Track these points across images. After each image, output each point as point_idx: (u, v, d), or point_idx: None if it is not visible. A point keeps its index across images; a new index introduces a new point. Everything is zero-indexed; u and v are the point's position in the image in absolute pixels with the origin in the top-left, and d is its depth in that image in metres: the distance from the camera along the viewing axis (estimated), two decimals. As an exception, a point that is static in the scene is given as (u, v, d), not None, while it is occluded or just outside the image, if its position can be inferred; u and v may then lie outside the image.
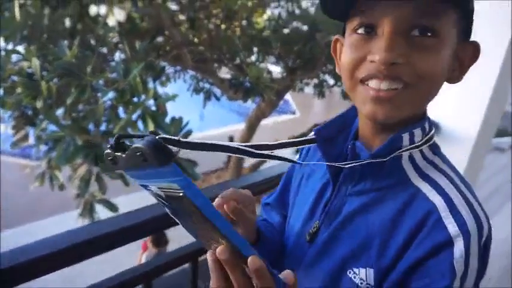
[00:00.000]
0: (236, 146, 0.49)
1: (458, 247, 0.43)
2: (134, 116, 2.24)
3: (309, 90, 5.55)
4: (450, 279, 0.43)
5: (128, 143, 0.38)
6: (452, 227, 0.44)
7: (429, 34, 0.43)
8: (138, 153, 0.34)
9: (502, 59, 1.40)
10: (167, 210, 0.44)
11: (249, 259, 0.37)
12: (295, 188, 0.66)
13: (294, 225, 0.61)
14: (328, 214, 0.55)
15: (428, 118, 0.52)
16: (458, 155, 1.44)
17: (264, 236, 0.60)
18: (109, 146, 0.38)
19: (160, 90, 2.78)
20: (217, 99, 4.35)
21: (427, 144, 0.51)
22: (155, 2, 3.21)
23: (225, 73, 4.56)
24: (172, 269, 0.95)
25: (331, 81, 5.17)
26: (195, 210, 0.37)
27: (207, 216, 0.37)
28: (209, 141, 0.46)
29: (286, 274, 0.40)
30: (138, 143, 0.34)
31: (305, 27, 4.51)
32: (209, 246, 0.43)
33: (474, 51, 0.49)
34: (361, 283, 0.49)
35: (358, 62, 0.47)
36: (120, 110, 2.49)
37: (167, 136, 0.42)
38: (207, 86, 4.60)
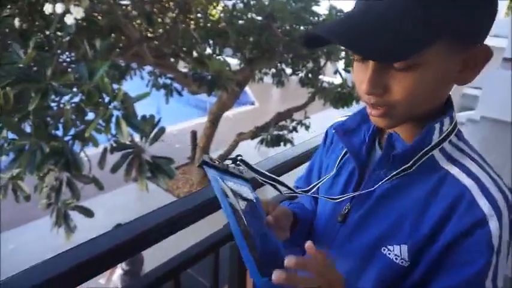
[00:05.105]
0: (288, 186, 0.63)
1: (493, 224, 0.48)
2: (103, 118, 2.17)
3: (267, 80, 5.62)
4: (489, 255, 0.48)
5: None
6: (485, 206, 0.49)
7: (406, 69, 0.48)
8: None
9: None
10: (224, 201, 0.52)
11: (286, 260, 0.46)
12: (323, 174, 0.73)
13: (324, 209, 0.67)
14: (360, 197, 0.60)
15: (453, 107, 0.57)
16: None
17: (299, 218, 0.69)
18: (229, 159, 0.60)
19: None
20: (180, 94, 4.29)
21: (454, 133, 0.56)
22: (108, -2, 3.08)
23: (181, 67, 4.49)
24: None
25: (289, 70, 5.28)
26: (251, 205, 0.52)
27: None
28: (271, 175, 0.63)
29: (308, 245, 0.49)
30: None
31: (260, 18, 4.55)
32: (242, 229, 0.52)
33: (485, 53, 0.51)
34: (396, 259, 0.54)
35: (358, 85, 0.53)
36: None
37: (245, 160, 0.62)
38: (166, 81, 4.51)
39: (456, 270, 0.50)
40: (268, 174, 0.62)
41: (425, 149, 0.53)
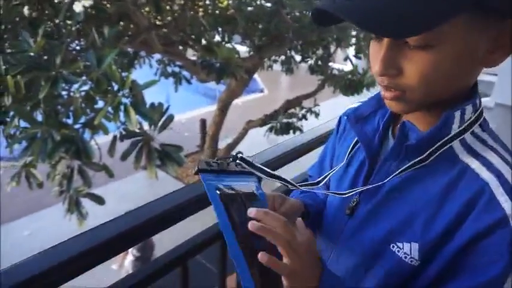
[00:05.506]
0: (291, 182, 0.60)
1: None
2: (112, 106, 2.18)
3: (276, 67, 5.57)
4: (509, 258, 0.43)
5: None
6: (506, 204, 0.45)
7: (422, 47, 0.44)
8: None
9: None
10: (216, 202, 0.50)
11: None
12: (334, 163, 0.70)
13: (334, 199, 0.64)
14: (369, 189, 0.56)
15: (478, 93, 0.52)
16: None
17: (310, 209, 0.67)
18: (217, 158, 0.57)
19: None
20: (189, 82, 4.28)
21: (478, 123, 0.51)
22: (116, -15, 3.07)
23: (190, 55, 4.47)
24: (160, 277, 0.88)
25: (298, 57, 5.22)
26: (253, 204, 0.51)
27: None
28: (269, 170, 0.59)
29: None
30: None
31: (269, 4, 4.48)
32: (238, 235, 0.48)
33: None
34: (405, 257, 0.51)
35: (373, 65, 0.49)
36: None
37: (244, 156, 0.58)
38: (175, 69, 4.50)
39: (472, 273, 0.46)
40: (271, 172, 0.58)
41: (443, 140, 0.49)
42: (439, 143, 0.49)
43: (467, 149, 0.50)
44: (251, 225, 0.46)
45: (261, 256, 0.44)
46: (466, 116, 0.50)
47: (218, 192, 0.50)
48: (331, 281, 0.49)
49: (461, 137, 0.50)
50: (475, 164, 0.48)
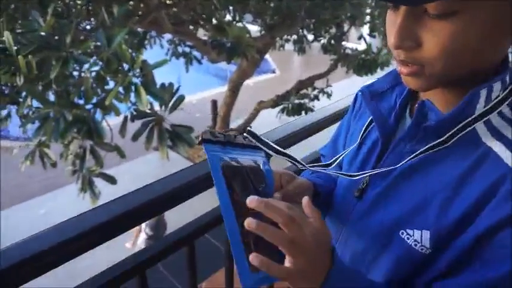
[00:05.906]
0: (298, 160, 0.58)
1: None
2: (123, 86, 2.18)
3: (288, 47, 5.48)
4: None
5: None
6: None
7: (443, 16, 0.39)
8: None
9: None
10: (217, 174, 0.47)
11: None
12: (348, 141, 0.67)
13: (343, 180, 0.61)
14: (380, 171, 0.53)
15: (510, 68, 0.46)
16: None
17: (320, 190, 0.64)
18: (224, 131, 0.59)
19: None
20: (199, 62, 4.25)
21: (507, 102, 0.45)
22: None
23: (201, 35, 4.42)
24: (168, 255, 0.88)
25: (311, 37, 5.12)
26: (258, 179, 0.51)
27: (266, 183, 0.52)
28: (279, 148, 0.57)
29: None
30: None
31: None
32: (239, 212, 0.45)
33: None
34: (415, 245, 0.47)
35: (388, 38, 0.45)
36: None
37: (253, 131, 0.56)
38: (186, 49, 4.47)
39: (485, 266, 0.42)
40: (279, 148, 0.55)
41: (466, 121, 0.45)
42: (460, 125, 0.45)
43: (492, 131, 0.45)
44: (247, 223, 0.41)
45: (252, 258, 0.39)
46: (494, 94, 0.44)
47: (221, 163, 0.47)
48: (341, 275, 0.45)
49: (486, 118, 0.45)
50: (498, 147, 0.44)
